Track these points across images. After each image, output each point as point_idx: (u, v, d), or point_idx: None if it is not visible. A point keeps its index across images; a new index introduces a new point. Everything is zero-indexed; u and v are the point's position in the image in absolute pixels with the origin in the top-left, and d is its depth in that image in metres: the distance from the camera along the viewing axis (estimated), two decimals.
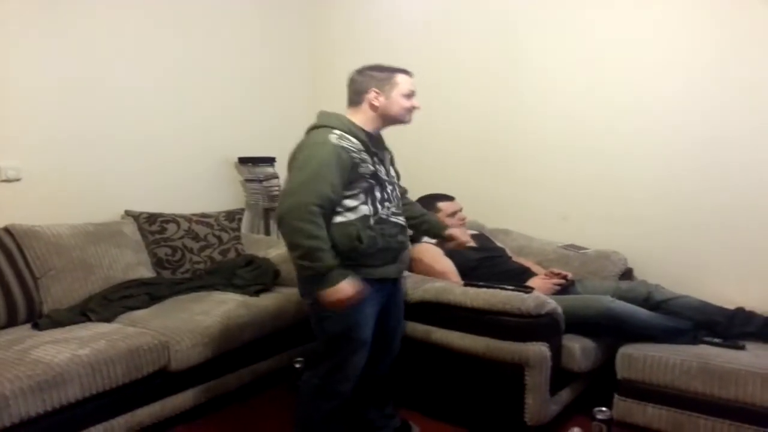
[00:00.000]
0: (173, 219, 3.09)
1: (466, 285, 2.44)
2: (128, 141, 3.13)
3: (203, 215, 3.23)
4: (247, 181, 3.70)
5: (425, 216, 2.38)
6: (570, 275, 2.69)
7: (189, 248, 3.06)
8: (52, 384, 1.97)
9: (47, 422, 1.99)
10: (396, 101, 2.04)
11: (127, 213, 3.07)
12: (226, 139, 3.61)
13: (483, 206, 3.28)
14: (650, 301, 2.52)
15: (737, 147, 2.65)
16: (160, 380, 2.33)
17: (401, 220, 2.11)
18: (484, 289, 2.35)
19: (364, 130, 2.03)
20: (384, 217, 2.01)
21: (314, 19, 3.96)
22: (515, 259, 2.87)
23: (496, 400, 2.32)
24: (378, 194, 2.00)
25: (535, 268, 2.83)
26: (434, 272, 2.60)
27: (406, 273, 2.59)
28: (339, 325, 1.98)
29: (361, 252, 1.94)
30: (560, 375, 2.30)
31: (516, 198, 3.30)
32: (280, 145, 3.46)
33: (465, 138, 3.42)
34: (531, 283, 2.54)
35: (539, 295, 2.29)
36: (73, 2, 2.89)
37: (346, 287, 1.87)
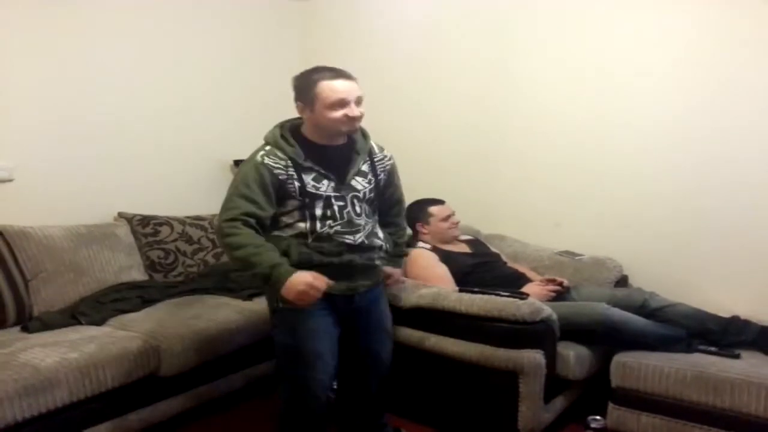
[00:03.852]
0: (167, 221, 3.07)
1: (460, 291, 2.43)
2: (122, 142, 3.11)
3: (197, 218, 3.21)
4: None
5: (395, 239, 2.24)
6: (565, 282, 2.68)
7: (182, 251, 3.04)
8: (39, 388, 1.94)
9: (35, 427, 1.96)
10: (320, 114, 1.90)
11: (120, 215, 3.05)
12: (221, 142, 3.59)
13: (478, 212, 3.27)
14: (645, 308, 2.50)
15: (733, 154, 2.64)
16: (151, 385, 2.31)
17: (351, 238, 1.95)
18: (479, 296, 2.33)
19: (309, 141, 1.96)
20: (324, 234, 1.92)
21: (306, 24, 3.96)
22: (510, 264, 2.86)
23: (489, 408, 2.31)
24: (319, 211, 1.92)
25: (530, 274, 2.82)
26: (429, 278, 2.59)
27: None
28: (287, 338, 1.96)
29: (294, 266, 1.84)
30: (554, 382, 2.28)
31: (511, 204, 3.29)
32: None
33: (459, 144, 3.41)
34: (526, 289, 2.53)
35: (534, 301, 2.27)
36: (67, 4, 2.87)
37: (301, 278, 1.79)
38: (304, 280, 1.79)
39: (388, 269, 2.20)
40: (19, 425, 1.91)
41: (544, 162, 3.15)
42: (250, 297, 2.81)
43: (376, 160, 2.09)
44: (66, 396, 2.02)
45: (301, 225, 1.92)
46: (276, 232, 1.93)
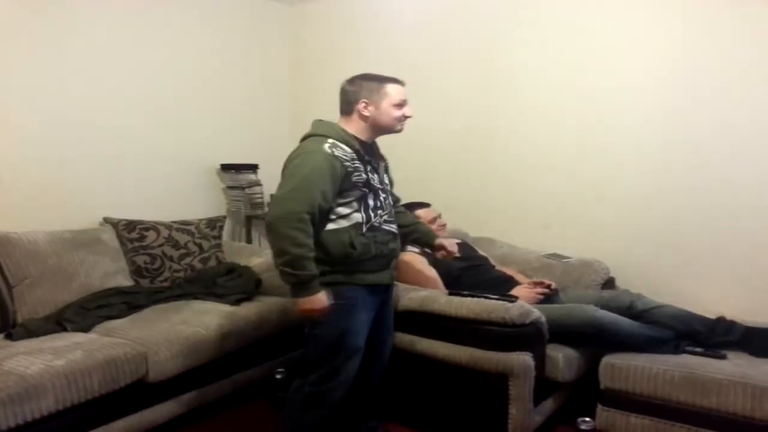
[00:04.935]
0: (153, 226, 3.04)
1: (450, 294, 2.43)
2: (108, 147, 3.09)
3: (184, 222, 3.19)
4: (230, 188, 3.66)
5: (417, 225, 2.42)
6: (553, 284, 2.69)
7: (169, 256, 3.02)
8: (24, 396, 1.91)
9: None
10: (386, 111, 2.05)
11: (106, 220, 3.02)
12: (209, 146, 3.57)
13: (466, 215, 3.28)
14: (632, 310, 2.52)
15: (720, 157, 2.68)
16: (138, 391, 2.28)
17: (393, 227, 2.12)
18: (469, 299, 2.33)
19: (357, 139, 2.05)
20: (376, 224, 2.03)
21: (296, 29, 3.96)
22: (499, 267, 2.87)
23: (479, 410, 2.31)
24: (371, 202, 2.03)
25: (518, 276, 2.83)
26: (418, 281, 2.59)
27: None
28: (333, 330, 1.99)
29: (355, 258, 1.97)
30: (544, 385, 2.29)
31: (499, 207, 3.31)
32: (263, 152, 3.46)
33: (448, 147, 3.42)
34: (515, 292, 2.53)
35: (523, 304, 2.28)
36: (56, 11, 2.85)
37: (323, 298, 1.92)
38: (322, 304, 1.92)
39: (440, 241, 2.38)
40: None
41: (533, 165, 3.17)
42: (237, 302, 2.79)
43: (385, 160, 2.25)
44: (52, 404, 1.99)
45: (358, 216, 1.99)
46: (332, 226, 1.97)
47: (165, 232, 3.06)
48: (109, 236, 2.92)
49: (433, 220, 2.84)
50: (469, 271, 2.73)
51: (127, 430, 2.26)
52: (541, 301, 2.53)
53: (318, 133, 2.02)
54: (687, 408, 2.15)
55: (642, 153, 2.85)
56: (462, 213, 3.23)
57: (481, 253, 2.98)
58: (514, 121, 3.20)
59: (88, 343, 2.25)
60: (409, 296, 2.44)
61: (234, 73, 3.70)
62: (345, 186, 1.96)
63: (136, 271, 2.93)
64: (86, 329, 2.43)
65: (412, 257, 2.68)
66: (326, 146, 1.94)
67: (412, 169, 3.43)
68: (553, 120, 3.08)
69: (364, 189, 2.00)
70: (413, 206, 2.87)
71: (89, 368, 2.10)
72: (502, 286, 2.63)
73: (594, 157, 2.99)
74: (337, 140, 1.98)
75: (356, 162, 1.98)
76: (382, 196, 2.09)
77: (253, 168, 3.62)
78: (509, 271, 2.85)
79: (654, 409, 2.21)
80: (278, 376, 2.62)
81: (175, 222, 3.15)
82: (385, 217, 2.08)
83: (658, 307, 2.52)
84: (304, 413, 2.05)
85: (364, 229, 1.99)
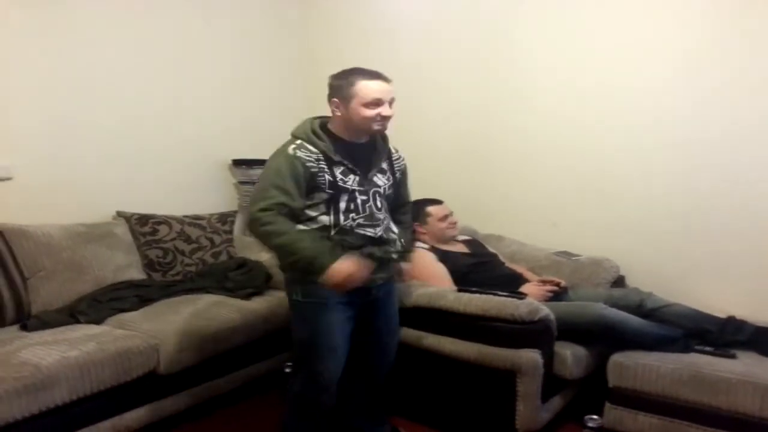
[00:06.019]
0: (165, 220, 3.07)
1: (459, 291, 2.44)
2: (121, 141, 3.11)
3: (196, 217, 3.21)
4: (241, 183, 3.68)
5: (407, 246, 2.29)
6: (563, 282, 2.69)
7: (180, 250, 3.04)
8: (39, 386, 1.95)
9: (34, 425, 1.96)
10: (355, 111, 1.96)
11: (119, 214, 3.04)
12: (221, 141, 3.59)
13: (476, 212, 3.28)
14: (642, 308, 2.52)
15: (730, 156, 2.66)
16: (150, 383, 2.31)
17: (372, 231, 2.02)
18: (477, 295, 2.34)
19: (336, 138, 2.01)
20: (347, 227, 1.98)
21: (310, 22, 3.96)
22: (508, 265, 2.87)
23: (487, 407, 2.32)
24: (342, 205, 1.98)
25: (527, 274, 2.83)
26: (427, 277, 2.60)
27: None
28: (304, 331, 2.01)
29: None
30: (552, 382, 2.29)
31: (509, 204, 3.30)
32: (274, 147, 3.44)
33: (458, 144, 3.42)
34: (524, 289, 2.54)
35: (532, 301, 2.28)
36: (64, 4, 2.87)
37: (343, 266, 1.86)
38: (347, 270, 1.86)
39: (398, 266, 2.26)
40: (19, 423, 1.92)
41: (542, 163, 3.16)
42: (248, 296, 2.82)
43: (393, 159, 2.18)
44: (66, 394, 2.02)
45: (325, 218, 1.97)
46: (300, 226, 1.96)
47: (177, 227, 3.09)
48: (122, 230, 2.95)
49: (445, 217, 2.86)
50: (478, 267, 2.74)
51: (139, 421, 2.29)
52: (550, 299, 2.53)
53: (294, 132, 2.03)
54: (695, 407, 2.14)
55: (652, 152, 2.84)
56: (471, 210, 3.23)
57: (491, 250, 2.98)
58: (525, 118, 3.19)
59: (101, 335, 2.28)
60: (418, 292, 2.45)
61: (246, 69, 3.71)
62: (311, 187, 1.95)
63: (149, 265, 2.96)
64: (99, 321, 2.46)
65: (420, 254, 2.68)
66: (291, 148, 1.95)
67: (422, 167, 3.42)
68: (564, 118, 3.06)
69: (330, 191, 1.95)
70: (425, 203, 2.89)
71: (102, 360, 2.13)
72: (511, 283, 2.63)
73: (604, 156, 2.97)
74: (305, 141, 1.97)
75: (321, 163, 1.94)
76: (361, 198, 2.00)
77: (264, 163, 3.63)
78: (518, 269, 2.85)
79: (662, 407, 2.21)
80: (287, 370, 2.63)
81: (187, 216, 3.18)
82: (360, 221, 1.99)
83: (668, 306, 2.52)
84: (295, 413, 2.08)
85: (332, 232, 1.96)
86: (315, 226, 1.96)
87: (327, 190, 1.95)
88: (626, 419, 2.29)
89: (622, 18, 2.86)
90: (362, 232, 2.00)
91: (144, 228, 3.00)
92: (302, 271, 1.93)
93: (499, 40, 3.23)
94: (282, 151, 1.97)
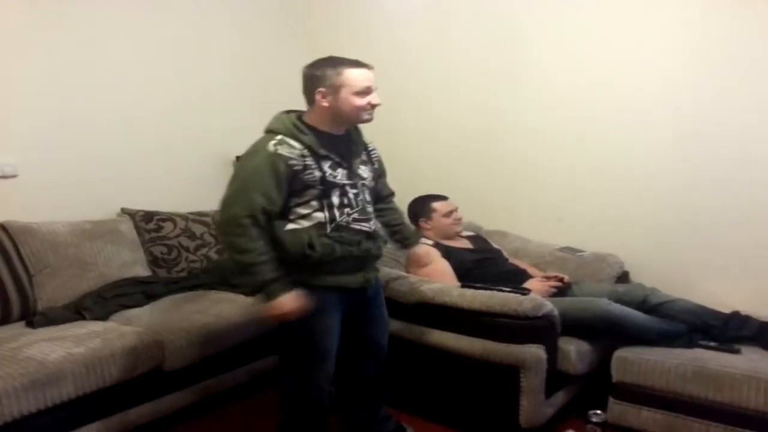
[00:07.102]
0: (170, 217, 3.08)
1: (463, 286, 2.44)
2: (126, 138, 3.12)
3: (200, 214, 3.22)
4: None
5: (401, 226, 2.34)
6: (566, 278, 2.69)
7: (185, 247, 3.05)
8: (45, 382, 1.96)
9: (40, 421, 1.98)
10: (345, 101, 1.89)
11: (124, 211, 3.06)
12: (224, 138, 3.59)
13: (480, 208, 3.28)
14: (646, 304, 2.51)
15: (734, 152, 2.65)
16: (155, 379, 2.32)
17: (367, 226, 1.99)
18: (481, 291, 2.34)
19: (318, 131, 1.92)
20: (343, 223, 1.91)
21: (313, 19, 3.96)
22: (512, 260, 2.87)
23: (490, 402, 2.32)
24: (335, 200, 1.90)
25: (531, 270, 2.82)
26: (431, 273, 2.59)
27: (402, 274, 2.59)
28: (298, 332, 1.93)
29: (315, 260, 1.86)
30: (555, 377, 2.29)
31: (513, 200, 3.30)
32: None
33: (462, 141, 3.41)
34: (528, 285, 2.54)
35: (536, 297, 2.29)
36: (73, 2, 2.88)
37: (285, 302, 1.82)
38: (289, 306, 1.83)
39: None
40: (25, 419, 1.93)
41: (547, 159, 3.15)
42: (253, 293, 2.82)
43: (369, 149, 2.13)
44: (71, 390, 2.03)
45: (320, 215, 1.88)
46: (291, 226, 1.87)
47: (182, 223, 3.10)
48: (127, 227, 2.96)
49: (449, 213, 2.85)
50: (482, 263, 2.74)
51: (144, 417, 2.30)
52: (553, 294, 2.53)
53: (270, 128, 1.92)
54: (699, 402, 2.15)
55: (656, 148, 2.83)
56: (476, 206, 3.23)
57: (495, 246, 2.98)
58: (529, 114, 3.17)
59: (107, 331, 2.29)
60: (421, 288, 2.45)
61: (249, 66, 3.71)
62: (297, 186, 1.85)
63: (154, 261, 2.97)
64: (104, 318, 2.47)
65: (425, 250, 2.68)
66: (271, 144, 1.84)
67: (426, 163, 3.44)
68: (567, 114, 3.05)
69: (321, 187, 1.87)
70: (430, 198, 2.88)
71: (107, 356, 2.14)
72: (515, 279, 2.63)
73: (608, 152, 2.96)
74: (286, 136, 1.86)
75: (307, 159, 1.85)
76: (352, 192, 1.94)
77: None
78: (522, 265, 2.85)
79: (666, 403, 2.21)
80: None
81: (191, 213, 3.19)
82: (355, 215, 1.94)
83: (672, 301, 2.51)
84: (290, 412, 2.06)
85: (329, 229, 1.88)
86: (308, 223, 1.87)
87: (318, 186, 1.87)
88: (630, 414, 2.29)
89: (628, 17, 2.84)
90: (358, 227, 1.95)
91: (149, 225, 3.01)
92: (251, 288, 1.89)
93: (504, 34, 3.22)
94: (260, 148, 1.85)
